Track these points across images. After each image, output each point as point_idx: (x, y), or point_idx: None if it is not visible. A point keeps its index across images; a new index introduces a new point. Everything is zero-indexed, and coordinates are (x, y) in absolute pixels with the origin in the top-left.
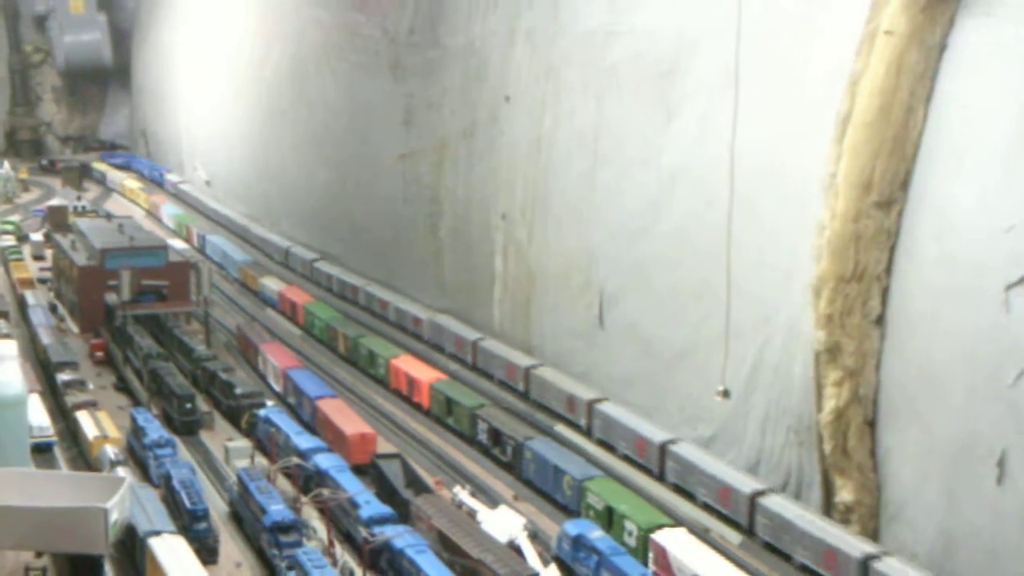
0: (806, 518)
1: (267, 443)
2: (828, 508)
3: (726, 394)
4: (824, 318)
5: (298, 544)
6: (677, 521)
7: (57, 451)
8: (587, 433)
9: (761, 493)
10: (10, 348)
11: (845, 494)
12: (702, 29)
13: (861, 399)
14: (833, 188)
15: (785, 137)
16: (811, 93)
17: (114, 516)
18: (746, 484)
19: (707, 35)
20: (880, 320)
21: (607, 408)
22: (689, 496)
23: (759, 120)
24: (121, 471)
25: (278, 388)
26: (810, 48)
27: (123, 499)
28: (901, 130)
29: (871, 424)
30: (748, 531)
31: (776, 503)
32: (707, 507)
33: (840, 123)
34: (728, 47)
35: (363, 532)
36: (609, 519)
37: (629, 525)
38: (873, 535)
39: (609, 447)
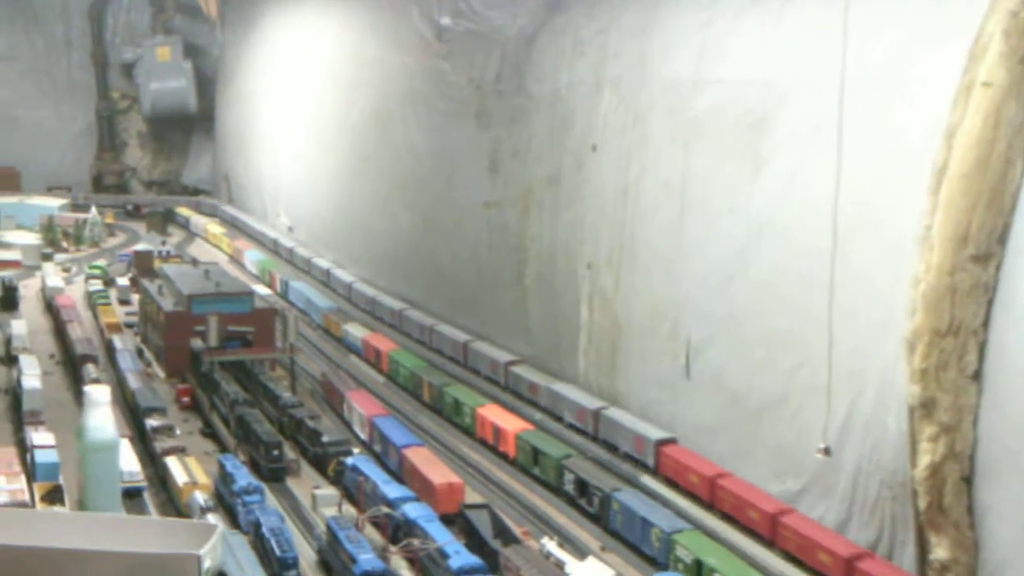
0: None
1: (354, 491)
2: (923, 566)
3: (827, 451)
4: (919, 372)
5: None
6: None
7: (147, 496)
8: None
9: None
10: (103, 393)
11: (940, 552)
12: (792, 80)
13: (957, 455)
14: (928, 241)
15: (879, 189)
16: (906, 145)
17: (207, 563)
18: None
19: (797, 86)
20: (977, 375)
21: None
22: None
23: (852, 171)
24: (211, 517)
25: (364, 436)
26: (904, 100)
27: (215, 546)
28: (999, 183)
29: (968, 481)
30: None
31: None
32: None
33: (936, 175)
34: (818, 98)
35: None
36: (698, 573)
37: None
38: None
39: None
